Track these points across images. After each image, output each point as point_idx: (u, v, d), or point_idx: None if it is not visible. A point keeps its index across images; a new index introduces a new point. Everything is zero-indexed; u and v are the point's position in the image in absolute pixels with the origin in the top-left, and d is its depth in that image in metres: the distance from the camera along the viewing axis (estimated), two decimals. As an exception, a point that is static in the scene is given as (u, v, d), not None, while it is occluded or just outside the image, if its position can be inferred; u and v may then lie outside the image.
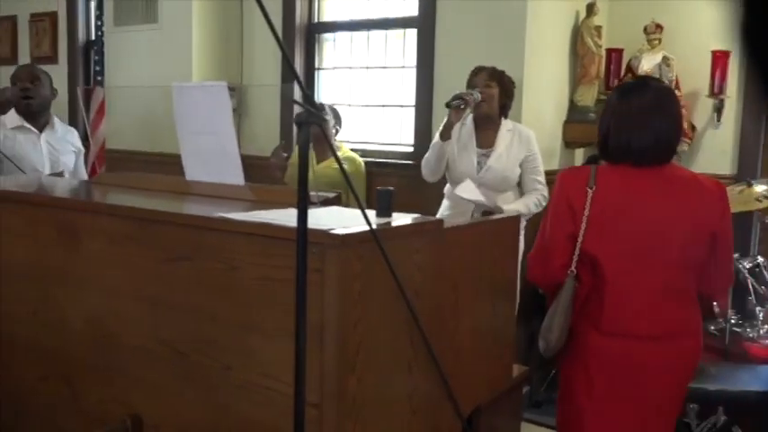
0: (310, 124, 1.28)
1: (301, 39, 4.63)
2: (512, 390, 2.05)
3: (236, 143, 1.97)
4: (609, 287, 1.93)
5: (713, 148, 3.89)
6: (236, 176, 1.97)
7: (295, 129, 4.62)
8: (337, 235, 1.38)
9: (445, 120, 3.14)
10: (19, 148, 3.07)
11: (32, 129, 3.23)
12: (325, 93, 4.67)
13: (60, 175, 3.18)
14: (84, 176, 3.53)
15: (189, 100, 2.06)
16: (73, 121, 5.32)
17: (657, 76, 3.84)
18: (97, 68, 4.73)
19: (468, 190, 3.01)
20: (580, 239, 1.92)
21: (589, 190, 1.93)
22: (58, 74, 5.58)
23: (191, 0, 4.65)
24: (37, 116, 3.25)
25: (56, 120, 3.37)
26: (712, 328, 3.11)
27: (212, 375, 1.59)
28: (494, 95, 3.19)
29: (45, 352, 2.00)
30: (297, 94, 4.51)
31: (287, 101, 4.61)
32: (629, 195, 1.95)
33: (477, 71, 3.24)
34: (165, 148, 4.23)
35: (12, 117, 3.25)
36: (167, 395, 1.69)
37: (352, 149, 4.17)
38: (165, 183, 2.19)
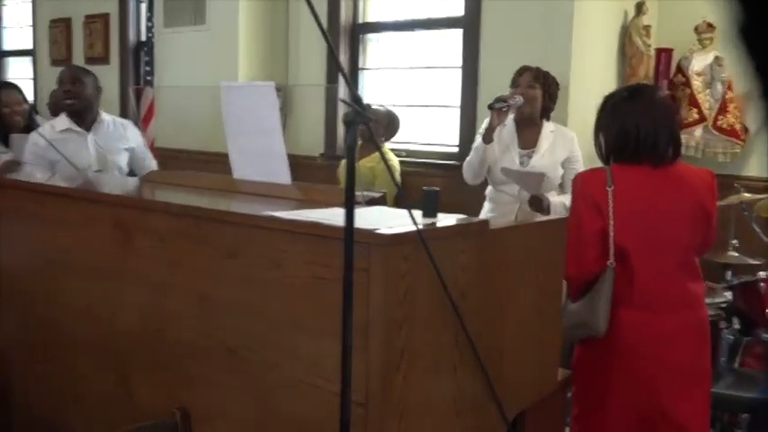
0: (358, 124, 1.29)
1: (346, 39, 4.65)
2: (556, 394, 2.02)
3: (284, 142, 2.00)
4: (637, 271, 2.13)
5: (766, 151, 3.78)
6: (283, 175, 1.99)
7: (341, 128, 4.65)
8: (384, 235, 1.39)
9: (486, 121, 3.12)
10: (68, 150, 3.12)
11: (80, 130, 3.27)
12: (369, 93, 4.68)
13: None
14: (150, 157, 3.55)
15: (237, 99, 2.09)
16: (124, 121, 5.44)
17: (709, 76, 3.75)
18: (147, 69, 4.83)
19: (516, 167, 3.10)
20: (611, 233, 2.11)
21: (608, 189, 2.12)
22: (109, 74, 5.73)
23: (238, 2, 4.73)
24: (83, 116, 3.30)
25: (105, 116, 3.36)
26: (766, 335, 3.01)
27: (260, 372, 1.62)
28: (536, 97, 3.16)
29: (98, 345, 2.06)
30: (342, 93, 4.54)
31: (332, 100, 4.64)
32: (645, 190, 2.16)
33: (522, 71, 3.21)
34: (213, 147, 4.30)
35: (62, 120, 3.31)
36: (215, 390, 1.73)
37: (392, 150, 4.17)
38: (214, 181, 2.22)
